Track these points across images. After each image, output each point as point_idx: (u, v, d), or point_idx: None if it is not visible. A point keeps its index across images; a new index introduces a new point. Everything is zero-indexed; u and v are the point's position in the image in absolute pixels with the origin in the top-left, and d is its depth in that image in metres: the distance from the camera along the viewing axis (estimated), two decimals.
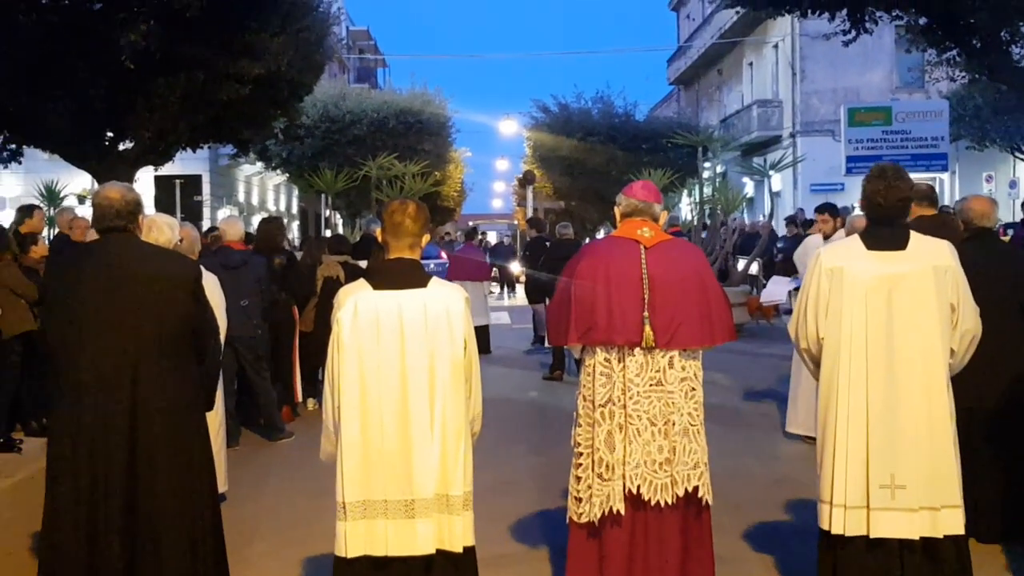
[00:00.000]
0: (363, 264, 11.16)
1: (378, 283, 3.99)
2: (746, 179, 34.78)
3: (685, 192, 38.37)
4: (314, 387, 10.23)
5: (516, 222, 56.01)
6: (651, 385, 4.36)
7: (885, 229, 4.25)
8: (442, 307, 3.96)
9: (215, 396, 4.68)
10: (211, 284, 6.59)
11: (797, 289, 9.22)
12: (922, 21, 11.28)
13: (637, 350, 4.35)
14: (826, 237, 8.38)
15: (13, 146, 14.73)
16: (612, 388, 4.39)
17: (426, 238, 4.10)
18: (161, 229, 5.42)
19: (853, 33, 11.81)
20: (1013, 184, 27.49)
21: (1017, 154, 25.97)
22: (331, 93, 29.96)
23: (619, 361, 4.39)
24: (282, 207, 38.94)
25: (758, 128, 32.86)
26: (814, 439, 7.86)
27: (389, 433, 3.89)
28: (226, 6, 11.51)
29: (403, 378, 3.91)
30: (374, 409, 3.91)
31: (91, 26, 11.43)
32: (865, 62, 30.42)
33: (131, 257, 4.33)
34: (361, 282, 4.05)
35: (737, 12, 33.08)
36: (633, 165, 34.34)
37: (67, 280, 4.35)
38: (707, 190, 38.84)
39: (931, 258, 4.19)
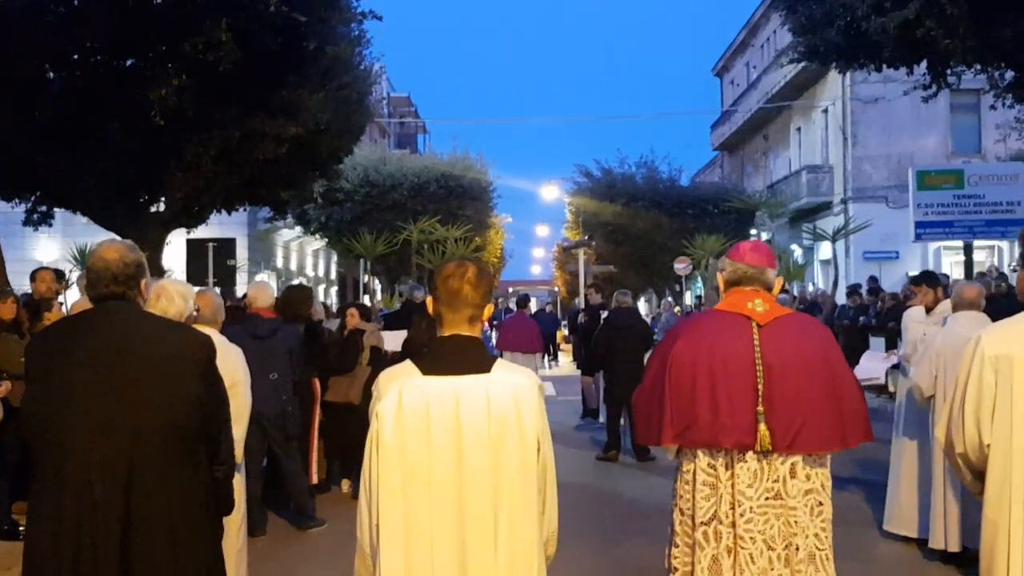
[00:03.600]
0: (403, 334, 10.41)
1: (429, 367, 3.16)
2: (794, 246, 33.89)
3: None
4: (350, 468, 9.41)
5: (556, 288, 55.31)
6: (767, 499, 3.47)
7: None
8: (510, 398, 3.13)
9: (232, 501, 3.86)
10: (234, 357, 5.84)
11: (895, 367, 8.35)
12: (1009, 75, 10.46)
13: (750, 455, 3.47)
14: (928, 310, 7.48)
15: (44, 208, 14.21)
16: (718, 502, 3.51)
17: (489, 309, 3.28)
18: (171, 298, 4.66)
19: (934, 88, 11.03)
20: None
21: None
22: (371, 158, 29.55)
23: (727, 468, 3.52)
24: (320, 273, 38.48)
25: (807, 194, 31.98)
26: (916, 539, 6.97)
27: (441, 561, 3.03)
28: (262, 61, 10.92)
29: (459, 490, 3.07)
30: (422, 529, 3.05)
31: (122, 83, 10.87)
32: (919, 127, 29.58)
33: (130, 330, 3.57)
34: (407, 365, 3.22)
35: (789, 74, 32.55)
36: (679, 231, 33.58)
37: (52, 356, 3.59)
38: None
39: None
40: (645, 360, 11.71)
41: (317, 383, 8.70)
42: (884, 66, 10.91)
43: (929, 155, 28.96)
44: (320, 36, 11.39)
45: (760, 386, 3.48)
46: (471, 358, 3.17)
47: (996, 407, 3.34)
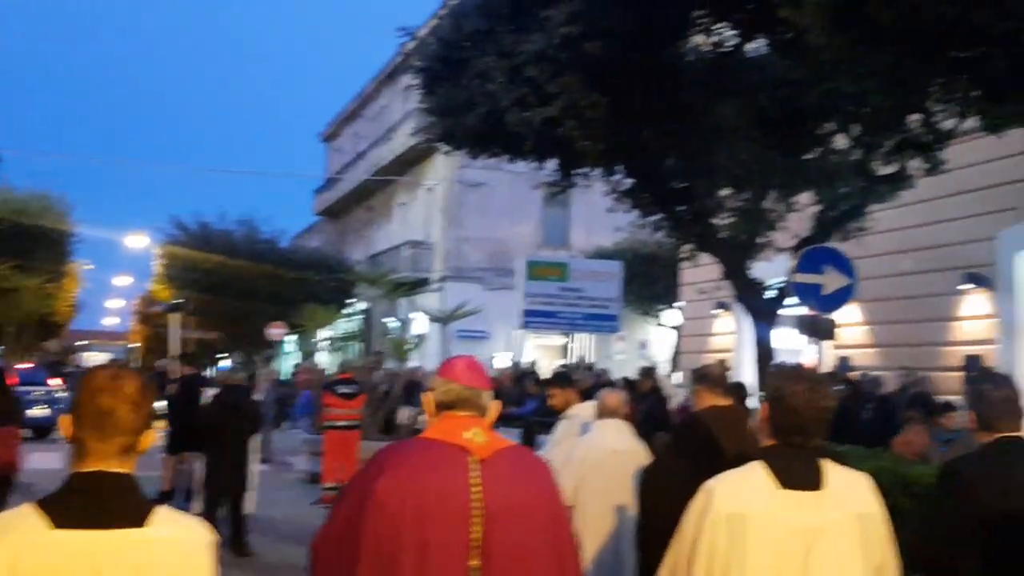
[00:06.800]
0: None
1: (61, 515, 2.26)
2: (388, 319, 34.14)
3: (325, 328, 37.14)
4: None
5: (137, 344, 51.57)
6: None
7: (798, 458, 3.12)
8: (173, 562, 2.31)
9: None
10: None
11: None
12: (628, 182, 10.98)
13: None
14: (559, 410, 7.34)
15: None
16: None
17: (150, 437, 2.43)
18: None
19: (563, 184, 11.36)
20: (643, 344, 28.90)
21: (647, 317, 27.27)
22: None
23: None
24: None
25: (408, 269, 32.41)
26: None
27: None
28: None
29: None
30: None
31: None
32: (515, 215, 31.11)
33: None
34: (25, 513, 2.28)
35: (398, 150, 33.02)
36: (277, 295, 32.66)
37: None
38: (351, 326, 37.86)
39: (854, 502, 3.10)
40: (249, 444, 10.70)
41: None
42: (515, 158, 11.07)
43: (523, 243, 30.51)
44: None
45: (477, 535, 2.89)
46: (121, 505, 2.30)
47: (728, 570, 3.01)
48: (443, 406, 3.11)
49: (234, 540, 9.89)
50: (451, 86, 10.65)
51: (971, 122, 9.06)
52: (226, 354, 35.87)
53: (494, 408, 3.17)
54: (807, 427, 3.11)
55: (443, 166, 31.05)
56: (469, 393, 3.10)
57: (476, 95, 10.10)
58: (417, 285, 32.31)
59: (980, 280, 13.62)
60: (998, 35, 6.64)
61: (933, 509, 3.85)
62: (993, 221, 13.54)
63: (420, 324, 31.72)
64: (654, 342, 28.49)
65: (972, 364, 13.09)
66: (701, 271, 16.48)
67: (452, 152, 11.84)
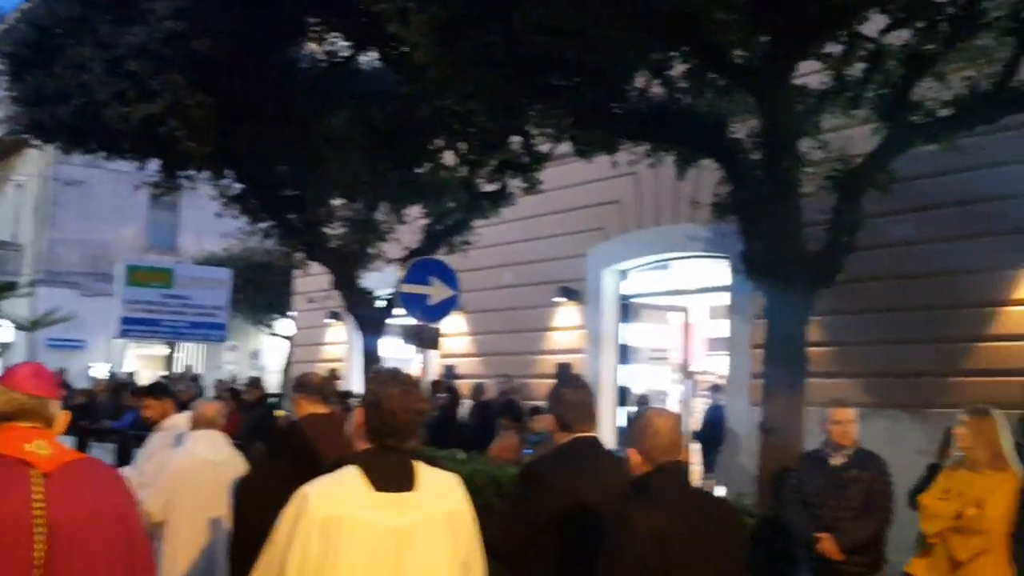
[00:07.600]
0: None
1: None
2: None
3: None
4: None
5: None
6: None
7: (392, 461, 3.16)
8: None
9: None
10: None
11: None
12: (237, 187, 10.70)
13: None
14: (155, 422, 6.98)
15: None
16: None
17: None
18: None
19: (167, 187, 10.82)
20: (255, 354, 28.36)
21: (260, 326, 26.79)
22: None
23: None
24: None
25: None
26: None
27: None
28: None
29: None
30: None
31: None
32: (118, 216, 29.28)
33: None
34: None
35: None
36: None
37: None
38: None
39: (444, 500, 3.19)
40: None
41: None
42: (119, 156, 10.42)
43: (126, 247, 28.82)
44: None
45: (40, 553, 2.64)
46: None
47: (320, 573, 2.98)
48: (3, 417, 2.82)
49: None
50: (43, 74, 9.84)
51: (565, 146, 9.76)
52: None
53: (62, 419, 2.92)
54: (401, 430, 3.16)
55: (35, 161, 28.54)
56: (33, 403, 2.84)
57: (70, 86, 9.41)
58: (2, 290, 29.43)
59: (571, 294, 14.67)
60: (586, 68, 7.23)
61: (513, 506, 4.07)
62: (583, 239, 14.67)
63: (4, 332, 28.96)
64: (267, 351, 28.02)
65: (562, 371, 14.07)
66: (313, 280, 16.44)
67: (43, 146, 10.93)
